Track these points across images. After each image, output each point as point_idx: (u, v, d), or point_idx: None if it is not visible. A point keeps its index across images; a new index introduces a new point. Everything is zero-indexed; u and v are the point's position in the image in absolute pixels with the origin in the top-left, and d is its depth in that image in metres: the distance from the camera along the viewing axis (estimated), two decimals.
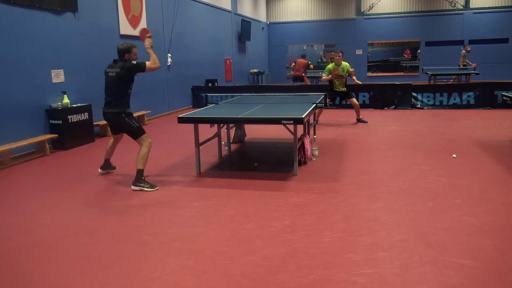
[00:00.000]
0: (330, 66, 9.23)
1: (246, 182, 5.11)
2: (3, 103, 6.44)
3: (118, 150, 7.36)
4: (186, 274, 2.96)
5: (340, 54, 9.14)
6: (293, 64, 16.47)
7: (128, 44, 5.01)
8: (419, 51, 20.98)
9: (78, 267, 3.11)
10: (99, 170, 5.68)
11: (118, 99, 4.94)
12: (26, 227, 3.92)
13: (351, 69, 9.37)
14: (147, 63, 4.94)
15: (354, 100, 9.43)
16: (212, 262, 3.12)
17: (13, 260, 3.27)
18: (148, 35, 5.07)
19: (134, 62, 4.92)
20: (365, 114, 10.66)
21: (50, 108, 7.29)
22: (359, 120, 9.46)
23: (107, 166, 5.69)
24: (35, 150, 6.97)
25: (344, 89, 9.35)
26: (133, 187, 4.89)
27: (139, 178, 4.91)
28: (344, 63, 9.15)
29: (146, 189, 4.85)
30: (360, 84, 10.26)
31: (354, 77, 9.85)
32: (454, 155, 6.08)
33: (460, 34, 20.11)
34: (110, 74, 4.95)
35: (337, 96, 9.59)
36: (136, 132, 5.00)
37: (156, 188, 4.89)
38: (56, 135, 7.19)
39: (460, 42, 20.08)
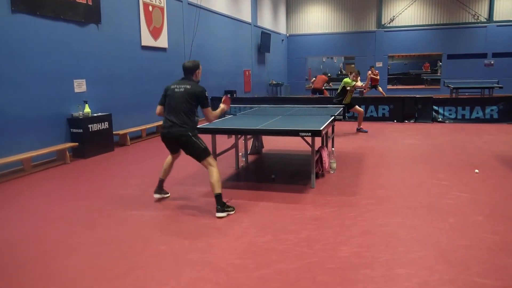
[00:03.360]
0: (350, 80, 9.30)
1: (263, 194, 5.08)
2: (26, 111, 6.59)
3: (138, 160, 7.42)
4: (199, 286, 2.94)
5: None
6: (314, 78, 16.66)
7: (195, 61, 4.64)
8: (440, 64, 20.76)
9: (93, 276, 3.12)
10: (155, 195, 4.95)
11: (186, 118, 4.46)
12: (43, 235, 3.97)
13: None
14: (210, 111, 4.60)
15: (357, 107, 9.70)
16: (226, 274, 3.09)
17: (30, 268, 3.30)
18: (228, 105, 4.83)
19: (206, 95, 4.52)
20: (384, 126, 10.56)
21: (71, 117, 7.43)
22: (359, 130, 9.67)
23: (161, 189, 4.98)
24: (56, 158, 7.09)
25: (349, 101, 9.56)
26: (218, 214, 4.34)
27: (222, 203, 4.40)
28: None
29: (231, 212, 4.44)
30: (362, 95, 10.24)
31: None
32: (476, 171, 5.93)
33: (483, 47, 19.80)
34: (177, 90, 4.48)
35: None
36: (202, 154, 4.54)
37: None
38: (77, 143, 7.30)
39: (483, 55, 19.77)
